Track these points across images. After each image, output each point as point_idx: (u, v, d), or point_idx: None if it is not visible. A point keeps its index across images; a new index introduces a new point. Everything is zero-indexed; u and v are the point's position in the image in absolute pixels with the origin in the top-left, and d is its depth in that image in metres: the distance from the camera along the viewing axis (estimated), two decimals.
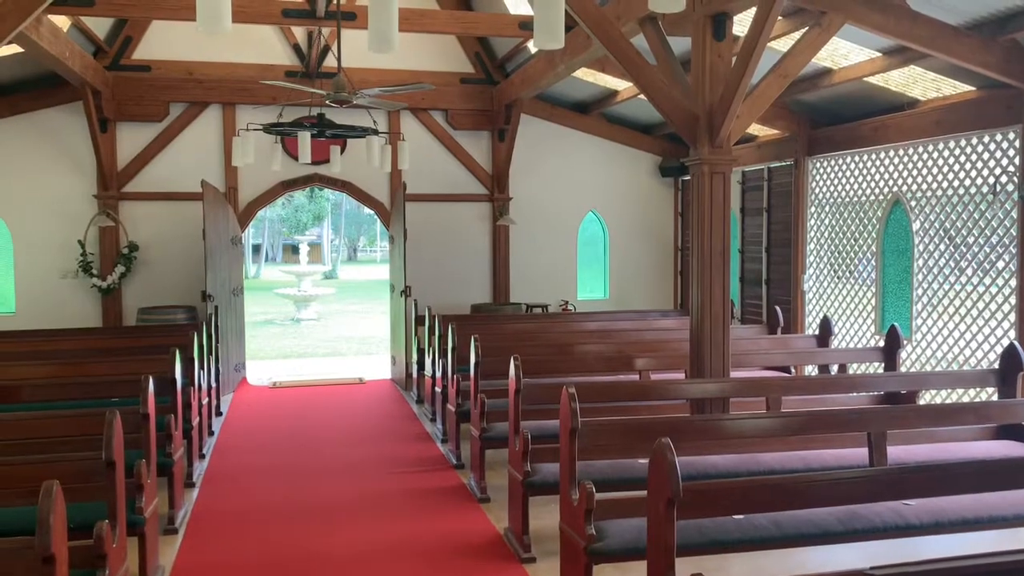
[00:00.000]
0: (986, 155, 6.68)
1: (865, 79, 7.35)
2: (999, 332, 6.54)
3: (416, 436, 7.86)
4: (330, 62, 10.14)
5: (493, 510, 5.63)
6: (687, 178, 11.47)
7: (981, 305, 6.75)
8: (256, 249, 43.46)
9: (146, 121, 10.06)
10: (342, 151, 9.78)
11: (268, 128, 7.76)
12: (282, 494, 6.12)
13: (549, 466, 4.82)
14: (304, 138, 7.31)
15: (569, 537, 3.98)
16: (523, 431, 4.86)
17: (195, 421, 6.56)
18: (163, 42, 10.05)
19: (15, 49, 8.04)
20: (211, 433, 7.83)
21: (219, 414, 8.68)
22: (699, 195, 5.51)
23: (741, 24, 6.52)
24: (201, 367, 7.23)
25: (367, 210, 11.44)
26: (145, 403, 4.51)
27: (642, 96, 9.90)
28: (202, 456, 7.03)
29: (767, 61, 5.79)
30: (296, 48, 10.40)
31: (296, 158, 10.16)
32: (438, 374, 7.92)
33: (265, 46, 10.30)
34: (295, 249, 23.67)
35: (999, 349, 6.30)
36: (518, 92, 10.02)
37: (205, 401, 7.48)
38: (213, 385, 8.27)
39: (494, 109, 10.86)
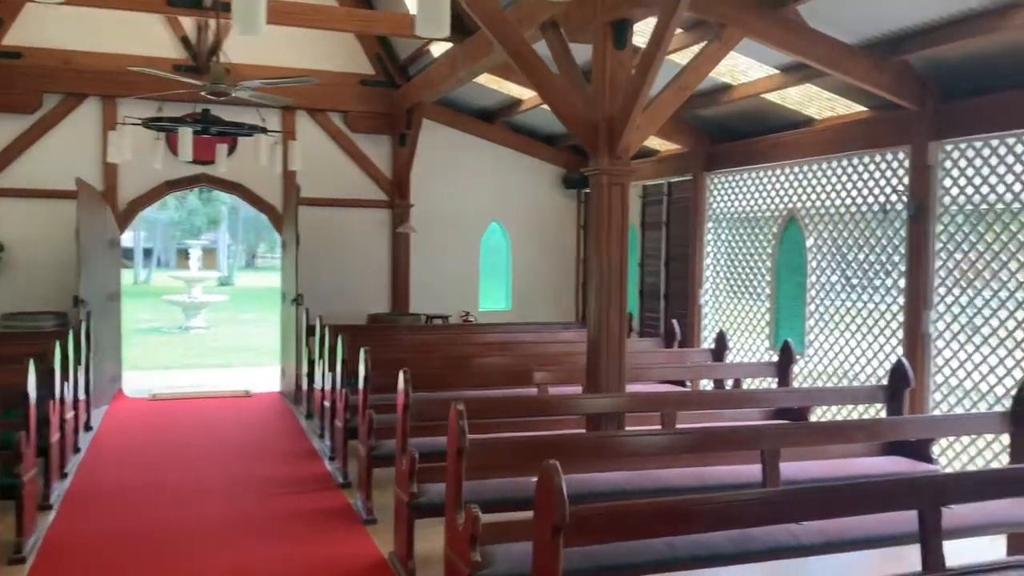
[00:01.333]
0: (877, 174, 6.82)
1: (763, 96, 7.42)
2: (888, 348, 6.67)
3: (303, 453, 7.46)
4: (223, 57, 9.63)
5: (379, 532, 5.33)
6: (588, 191, 11.43)
7: (871, 321, 6.87)
8: (148, 253, 41.59)
9: (16, 112, 9.32)
10: (231, 151, 9.29)
11: (148, 123, 7.26)
12: (154, 516, 5.65)
13: (437, 486, 4.55)
14: (185, 134, 6.86)
15: (453, 563, 3.73)
16: (410, 449, 4.59)
17: (54, 438, 5.99)
18: (38, 27, 9.33)
19: None
20: (77, 450, 7.22)
21: (88, 429, 8.05)
22: (598, 206, 5.38)
23: (643, 35, 6.46)
24: (65, 378, 6.65)
25: None
26: (25, 384, 4.02)
27: (546, 106, 9.86)
28: (64, 475, 6.45)
29: (667, 73, 5.74)
30: (185, 41, 9.83)
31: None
32: (327, 388, 7.55)
33: (151, 37, 9.70)
34: (188, 254, 22.58)
35: (888, 365, 6.40)
36: (420, 96, 9.76)
37: (70, 415, 6.88)
38: (81, 398, 7.65)
39: (395, 113, 10.56)
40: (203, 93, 6.33)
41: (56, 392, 6.17)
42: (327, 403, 7.52)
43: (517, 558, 3.54)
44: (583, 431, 5.44)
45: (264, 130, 7.52)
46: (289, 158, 8.50)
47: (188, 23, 9.74)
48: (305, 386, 9.11)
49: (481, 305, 11.31)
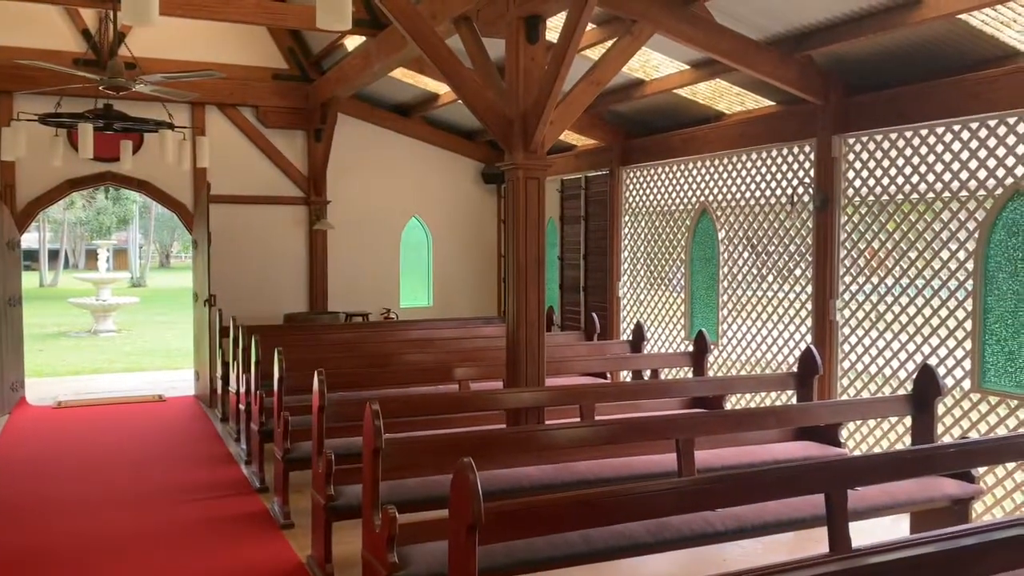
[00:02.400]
0: (784, 167, 7.01)
1: (675, 91, 7.54)
2: (797, 336, 6.87)
3: (218, 458, 7.25)
4: (125, 51, 9.25)
5: (297, 536, 5.21)
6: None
7: (782, 310, 7.07)
8: (54, 255, 39.89)
9: None
10: (136, 148, 8.95)
11: (45, 119, 6.92)
12: (61, 530, 5.40)
13: (355, 488, 4.48)
14: (85, 131, 6.57)
15: (371, 565, 3.67)
16: (327, 451, 4.50)
17: None
18: None
19: None
20: None
21: None
22: (514, 200, 5.38)
23: (556, 30, 6.48)
24: None
25: None
26: None
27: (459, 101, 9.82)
28: None
29: (580, 69, 5.77)
30: (86, 34, 9.42)
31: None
32: (243, 391, 7.36)
33: (49, 30, 9.25)
34: (97, 255, 21.74)
35: (798, 352, 6.60)
36: (334, 90, 9.59)
37: None
38: None
39: (309, 107, 10.35)
40: (102, 88, 6.06)
41: None
42: (242, 406, 7.33)
43: (435, 557, 3.52)
44: (500, 426, 5.43)
45: (170, 126, 7.26)
46: (199, 154, 8.23)
47: (89, 15, 9.34)
48: (220, 389, 8.86)
49: (402, 302, 11.21)
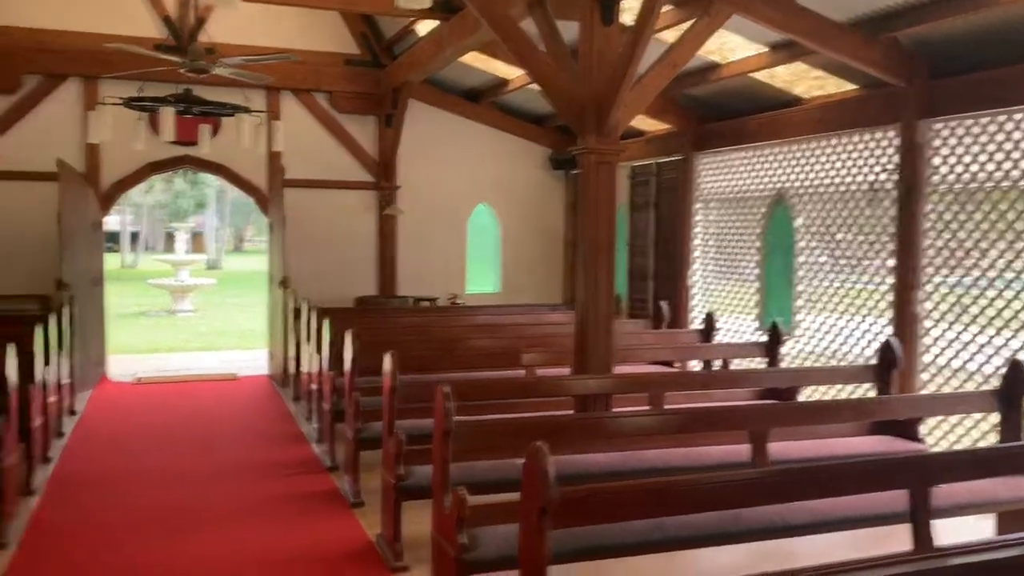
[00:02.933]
0: (867, 153, 6.78)
1: (751, 74, 7.36)
2: (876, 328, 6.65)
3: (290, 436, 7.41)
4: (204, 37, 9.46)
5: (367, 515, 5.29)
6: (577, 172, 11.36)
7: (860, 301, 6.86)
8: (135, 237, 41.27)
9: None
10: (214, 132, 9.15)
11: (128, 102, 7.13)
12: (137, 501, 5.59)
13: (425, 469, 4.51)
14: (167, 114, 6.74)
15: (440, 546, 3.69)
16: (397, 432, 4.55)
17: (37, 422, 5.92)
18: (14, 7, 9.16)
19: None
20: (60, 434, 7.15)
21: (72, 413, 7.97)
22: (586, 186, 5.32)
23: (630, 12, 6.38)
24: (47, 362, 6.57)
25: None
26: (2, 369, 3.95)
27: (532, 86, 9.75)
28: (47, 460, 6.38)
29: (655, 51, 5.66)
30: (166, 19, 9.62)
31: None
32: (314, 371, 7.49)
33: (131, 17, 9.51)
34: (175, 238, 22.47)
35: (877, 344, 6.39)
36: (406, 75, 9.65)
37: (53, 399, 6.81)
38: (65, 381, 7.56)
39: (381, 93, 10.44)
40: (183, 71, 6.21)
41: (37, 376, 6.09)
42: (314, 386, 7.47)
43: (504, 540, 3.51)
44: (571, 412, 5.41)
45: (246, 110, 7.41)
46: (274, 138, 8.38)
47: (170, 1, 9.56)
48: (292, 369, 9.04)
49: (468, 287, 11.25)
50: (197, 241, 41.99)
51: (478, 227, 11.39)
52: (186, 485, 5.98)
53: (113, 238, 38.30)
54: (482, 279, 11.51)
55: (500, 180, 11.28)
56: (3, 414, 4.97)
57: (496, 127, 11.16)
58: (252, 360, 11.30)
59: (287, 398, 8.95)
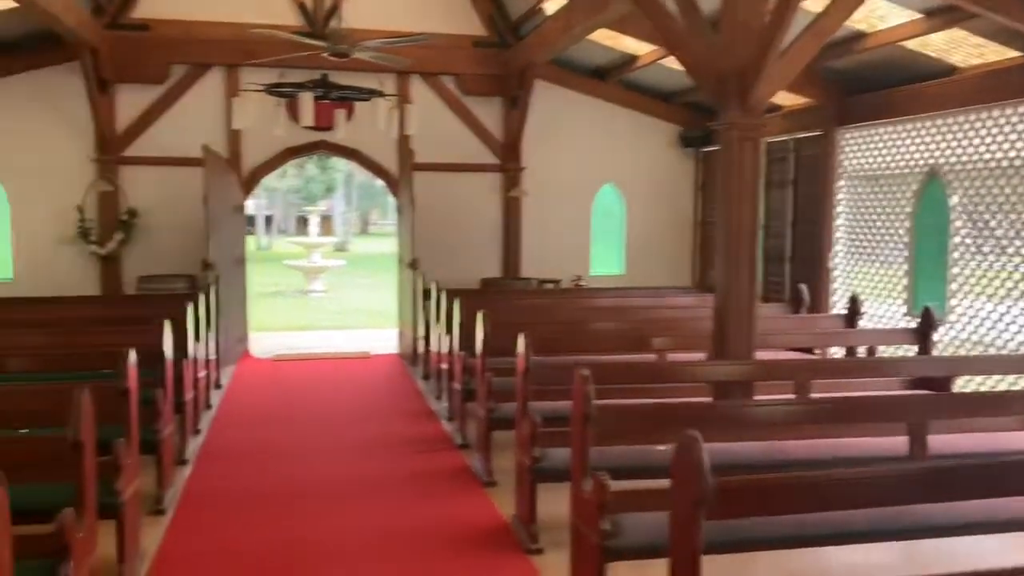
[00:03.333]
0: None
1: (902, 43, 6.89)
2: None
3: (421, 414, 7.54)
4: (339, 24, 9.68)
5: (499, 495, 5.31)
6: (709, 149, 11.03)
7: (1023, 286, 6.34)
8: (268, 221, 43.14)
9: (146, 83, 9.69)
10: (348, 117, 9.36)
11: (269, 89, 7.38)
12: (279, 473, 5.82)
13: (560, 451, 4.47)
14: (306, 99, 6.94)
15: (581, 532, 3.64)
16: (531, 414, 4.52)
17: (189, 395, 6.24)
18: (163, 0, 9.64)
19: (9, 4, 7.68)
20: (208, 407, 7.53)
21: (218, 387, 8.38)
22: (727, 163, 5.10)
23: None
24: (197, 339, 6.92)
25: (380, 182, 11.09)
26: (124, 378, 4.18)
27: (663, 62, 9.51)
28: (197, 432, 6.73)
29: (801, 20, 5.36)
30: (302, 8, 9.94)
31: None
32: (444, 350, 7.59)
33: (269, 5, 9.86)
34: (307, 222, 23.38)
35: None
36: (533, 56, 9.58)
37: (202, 374, 7.17)
38: (212, 357, 7.96)
39: (507, 74, 10.42)
40: (325, 54, 6.36)
41: (190, 352, 6.42)
42: (444, 366, 7.57)
43: (648, 528, 3.42)
44: (708, 399, 5.24)
45: (381, 94, 7.54)
46: (406, 122, 8.50)
47: None
48: (422, 349, 9.21)
49: (593, 269, 11.13)
50: (326, 224, 43.54)
51: (603, 208, 11.24)
52: (324, 458, 6.18)
53: (249, 221, 40.11)
54: (607, 261, 11.37)
55: (626, 159, 11.08)
56: (160, 387, 5.25)
57: (623, 105, 10.96)
58: (382, 339, 11.59)
59: (417, 376, 9.12)
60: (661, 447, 4.57)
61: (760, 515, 3.14)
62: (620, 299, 8.89)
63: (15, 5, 7.40)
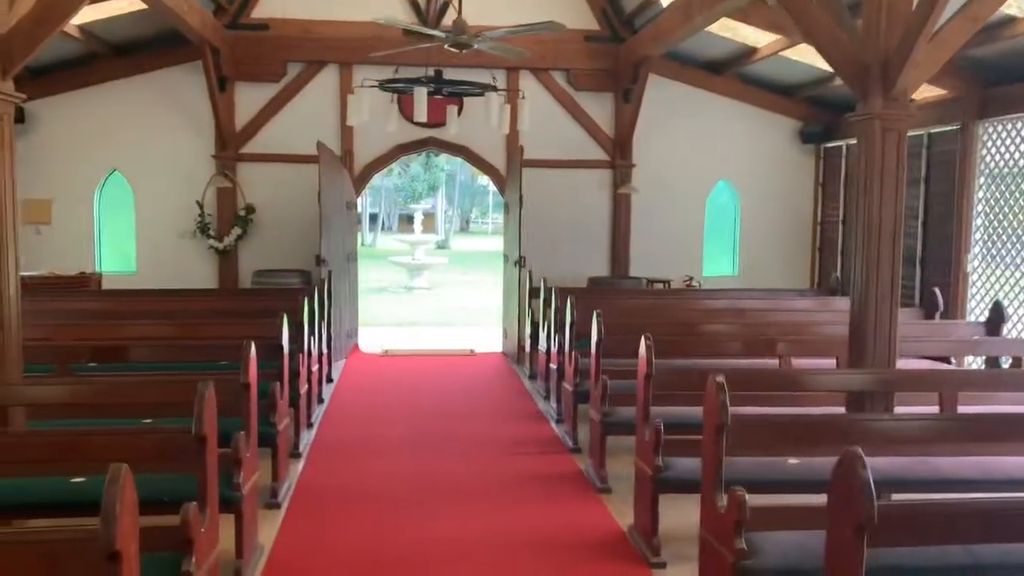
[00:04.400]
0: None
1: None
2: None
3: (529, 415, 7.41)
4: (449, 21, 9.64)
5: (614, 503, 5.11)
6: (831, 145, 10.50)
7: None
8: (373, 218, 44.04)
9: (264, 81, 9.91)
10: (459, 113, 9.30)
11: (384, 85, 7.39)
12: (389, 469, 5.79)
13: (684, 461, 4.25)
14: (420, 94, 6.90)
15: (712, 548, 3.41)
16: (655, 420, 4.30)
17: (303, 389, 6.30)
18: (281, 0, 9.84)
19: (138, 5, 7.97)
20: (320, 401, 7.61)
21: (330, 381, 8.48)
22: (868, 156, 4.74)
23: None
24: (312, 333, 6.98)
25: (480, 181, 11.12)
26: (246, 371, 4.19)
27: (785, 53, 9.08)
28: (310, 425, 6.79)
29: (950, 4, 4.94)
30: (415, 5, 9.98)
31: (412, 121, 9.88)
32: (553, 350, 7.43)
33: (383, 4, 9.91)
34: (410, 219, 23.66)
35: None
36: (647, 49, 9.30)
37: (315, 368, 7.24)
38: (324, 351, 8.05)
39: (619, 69, 10.18)
40: (445, 46, 6.29)
41: (305, 345, 6.47)
42: (553, 365, 7.41)
43: (788, 549, 3.17)
44: (841, 410, 4.89)
45: (494, 88, 7.43)
46: (519, 117, 8.38)
47: None
48: (528, 347, 9.08)
49: (705, 270, 10.76)
50: (427, 222, 44.13)
51: (717, 206, 10.85)
52: (432, 456, 6.12)
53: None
54: (720, 261, 10.98)
55: (742, 156, 10.66)
56: (278, 380, 5.28)
57: (739, 99, 10.55)
58: (485, 337, 11.55)
59: (522, 375, 9.00)
60: (793, 460, 4.29)
61: (923, 543, 2.84)
62: (736, 301, 8.52)
63: (143, 7, 7.66)
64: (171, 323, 6.59)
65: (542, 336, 8.19)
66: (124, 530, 2.11)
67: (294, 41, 9.85)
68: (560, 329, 7.10)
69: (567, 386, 6.62)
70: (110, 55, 9.57)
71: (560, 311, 7.20)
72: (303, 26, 9.86)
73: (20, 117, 9.45)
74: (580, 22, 10.24)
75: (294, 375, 5.96)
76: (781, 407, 5.06)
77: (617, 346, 5.89)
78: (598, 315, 5.96)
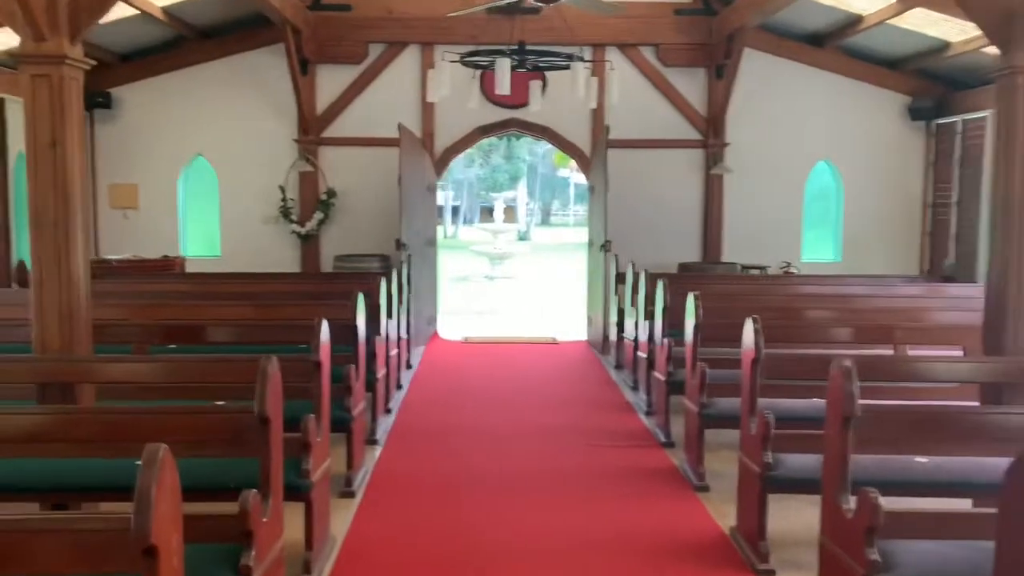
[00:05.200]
0: None
1: None
2: None
3: (615, 406, 7.00)
4: None
5: (713, 502, 4.67)
6: (943, 121, 9.71)
7: None
8: (455, 211, 44.16)
9: (345, 63, 9.76)
10: (543, 90, 8.92)
11: (465, 59, 7.08)
12: (470, 460, 5.49)
13: (796, 457, 3.79)
14: (503, 66, 6.55)
15: (836, 557, 2.96)
16: (764, 412, 3.85)
17: (380, 373, 6.05)
18: None
19: None
20: (399, 387, 7.38)
21: (409, 367, 8.26)
22: (1009, 117, 4.16)
23: None
24: (389, 316, 6.74)
25: (561, 173, 10.70)
26: (316, 350, 3.94)
27: (893, 21, 8.40)
28: (388, 411, 6.56)
29: None
30: None
31: (493, 101, 9.59)
32: (642, 338, 7.00)
33: None
34: (491, 211, 23.45)
35: None
36: (743, 19, 8.75)
37: (394, 353, 7.00)
38: (403, 337, 7.81)
39: (712, 42, 9.64)
40: (531, 1, 5.90)
41: (382, 329, 6.23)
42: (642, 354, 6.98)
43: (930, 562, 2.71)
44: (976, 404, 4.33)
45: (581, 58, 7.04)
46: (606, 91, 7.96)
47: None
48: (614, 336, 8.66)
49: (804, 255, 10.11)
50: (509, 213, 43.98)
51: (816, 188, 10.19)
52: (517, 446, 5.79)
53: (438, 211, 41.21)
54: (820, 246, 10.32)
55: (844, 134, 9.97)
56: (353, 363, 5.03)
57: (842, 73, 9.86)
58: (568, 325, 11.18)
59: (607, 365, 8.59)
60: (920, 459, 3.79)
61: None
62: (840, 287, 7.90)
63: None
64: (249, 304, 6.41)
65: (629, 323, 7.77)
66: (162, 520, 1.83)
67: (376, 21, 9.66)
68: (650, 316, 6.67)
69: (658, 375, 6.19)
70: (194, 38, 9.57)
71: (650, 297, 6.76)
72: (385, 5, 9.66)
73: (107, 102, 9.57)
74: None
75: (371, 358, 5.71)
76: (899, 399, 4.55)
77: (714, 333, 5.45)
78: (696, 297, 5.51)
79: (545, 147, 42.96)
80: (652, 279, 6.93)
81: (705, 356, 5.32)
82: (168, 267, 8.76)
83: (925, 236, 10.05)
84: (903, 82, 9.83)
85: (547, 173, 44.11)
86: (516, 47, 6.91)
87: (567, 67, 7.17)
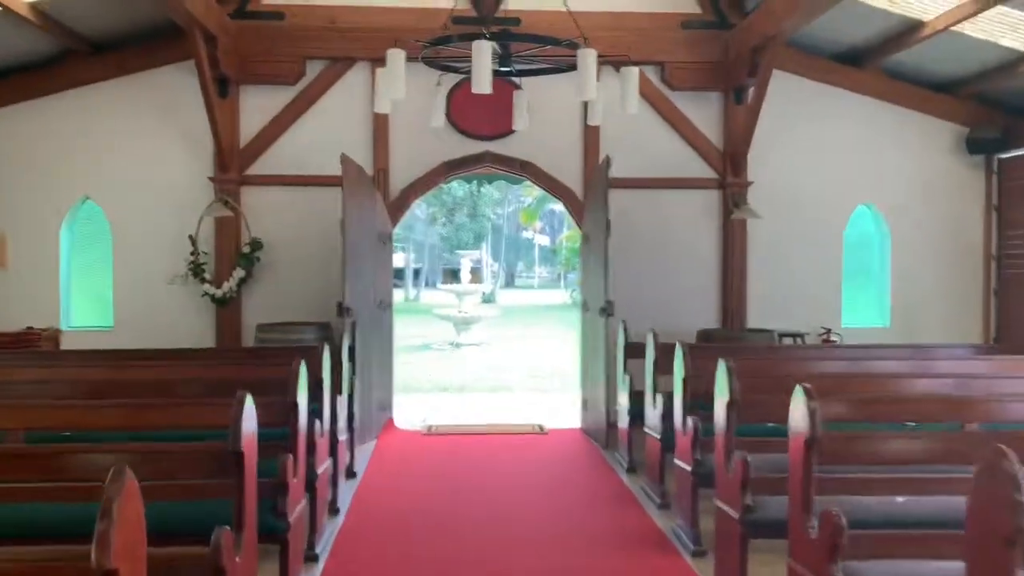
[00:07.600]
0: None
1: None
2: None
3: (642, 536, 4.91)
4: (512, 4, 7.46)
5: None
6: (1009, 155, 8.07)
7: None
8: (416, 274, 42.23)
9: (276, 83, 7.84)
10: (527, 108, 6.99)
11: (426, 47, 5.18)
12: None
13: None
14: (481, 51, 4.65)
15: None
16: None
17: (294, 513, 3.92)
18: None
19: None
20: (334, 511, 5.24)
21: (351, 476, 6.14)
22: None
23: None
24: (320, 418, 4.68)
25: (526, 234, 8.86)
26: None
27: (960, 26, 6.76)
28: (314, 558, 4.42)
29: None
30: None
31: (464, 131, 7.76)
32: (678, 428, 4.99)
33: None
34: (455, 273, 21.57)
35: None
36: (769, 29, 7.04)
37: (324, 466, 4.89)
38: (342, 437, 5.69)
39: (729, 61, 7.92)
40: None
41: (300, 428, 4.13)
42: (684, 465, 4.94)
43: None
44: None
45: (586, 41, 5.18)
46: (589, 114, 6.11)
47: None
48: (624, 424, 6.63)
49: (845, 320, 8.25)
50: (474, 275, 42.19)
51: (857, 238, 8.42)
52: None
53: (397, 274, 39.27)
54: (863, 308, 8.49)
55: (889, 171, 8.26)
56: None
57: (886, 99, 8.20)
58: (553, 407, 9.18)
59: (616, 465, 6.58)
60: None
61: None
62: (894, 361, 5.97)
63: None
64: (129, 406, 4.27)
65: (651, 413, 5.77)
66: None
67: (315, 32, 7.78)
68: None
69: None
70: (84, 52, 7.60)
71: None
72: (327, 14, 7.79)
73: None
74: (675, 5, 8.04)
75: (281, 490, 3.60)
76: None
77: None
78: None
79: (511, 208, 41.58)
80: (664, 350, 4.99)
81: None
82: (28, 343, 6.57)
83: (988, 295, 8.28)
84: (960, 109, 8.17)
85: (512, 233, 42.59)
86: (498, 31, 5.02)
87: (566, 69, 5.30)
